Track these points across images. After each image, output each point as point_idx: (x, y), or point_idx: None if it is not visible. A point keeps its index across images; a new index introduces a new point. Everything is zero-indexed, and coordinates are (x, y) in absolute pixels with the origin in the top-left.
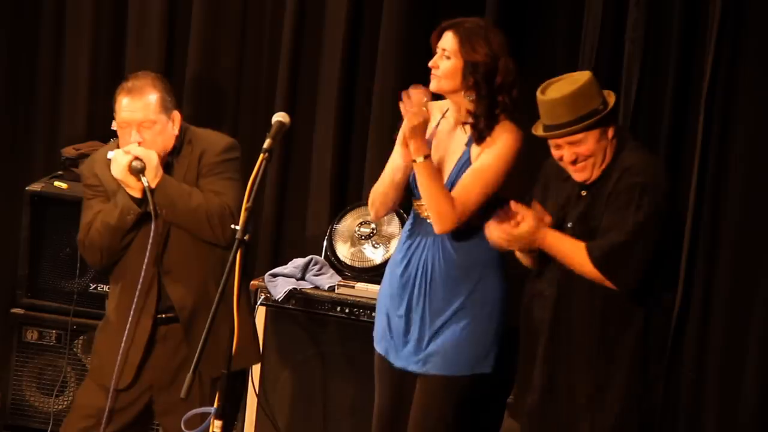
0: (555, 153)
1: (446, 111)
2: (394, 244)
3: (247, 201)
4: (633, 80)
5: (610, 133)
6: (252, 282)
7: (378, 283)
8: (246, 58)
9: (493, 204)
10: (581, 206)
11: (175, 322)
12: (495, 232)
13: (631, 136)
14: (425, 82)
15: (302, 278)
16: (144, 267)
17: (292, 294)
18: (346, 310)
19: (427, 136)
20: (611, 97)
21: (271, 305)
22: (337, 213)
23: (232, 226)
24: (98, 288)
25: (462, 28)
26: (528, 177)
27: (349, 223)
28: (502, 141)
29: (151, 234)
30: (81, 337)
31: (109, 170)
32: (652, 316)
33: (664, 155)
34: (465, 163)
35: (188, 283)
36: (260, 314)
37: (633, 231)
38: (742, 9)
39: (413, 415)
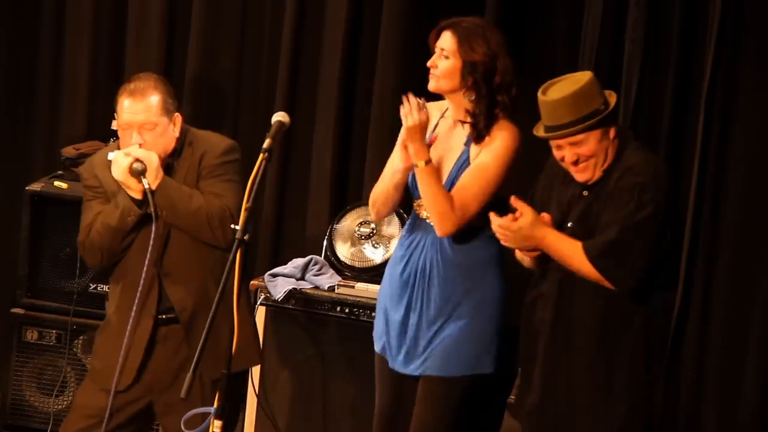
0: (556, 153)
1: (445, 111)
2: (394, 244)
3: (247, 201)
4: (633, 80)
5: (612, 133)
6: (252, 282)
7: (378, 283)
8: (246, 58)
9: (493, 203)
10: (582, 206)
11: (175, 322)
12: (494, 226)
13: (633, 136)
14: (425, 82)
15: (302, 278)
16: (145, 269)
17: (292, 294)
18: (346, 310)
19: (427, 137)
20: (612, 98)
21: (271, 305)
22: (337, 213)
23: (232, 226)
24: (98, 288)
25: (460, 27)
26: (527, 176)
27: (349, 223)
28: (500, 140)
29: (152, 236)
30: (81, 337)
31: (110, 171)
32: (653, 316)
33: (664, 155)
34: (464, 162)
35: (188, 285)
36: (260, 314)
37: (632, 230)
38: (742, 9)
39: (414, 416)
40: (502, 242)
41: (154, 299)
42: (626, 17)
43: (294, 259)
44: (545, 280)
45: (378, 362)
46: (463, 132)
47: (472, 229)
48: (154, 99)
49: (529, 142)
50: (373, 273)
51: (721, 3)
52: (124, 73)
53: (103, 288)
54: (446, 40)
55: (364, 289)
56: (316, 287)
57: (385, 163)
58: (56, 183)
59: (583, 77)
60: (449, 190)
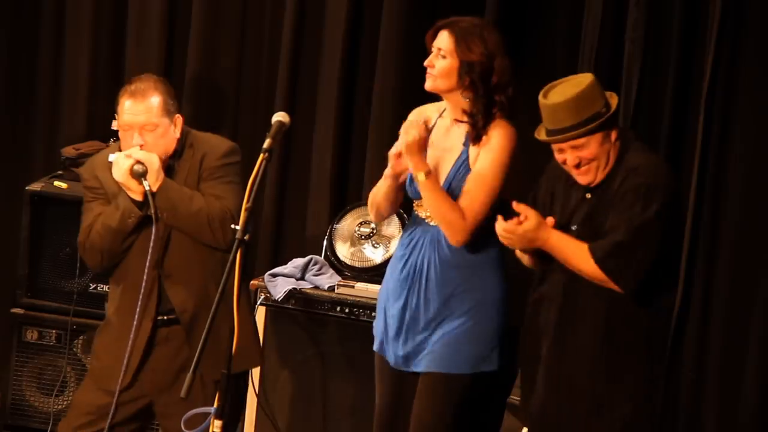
0: (558, 157)
1: (443, 111)
2: (394, 244)
3: (247, 201)
4: (633, 80)
5: (614, 135)
6: (252, 282)
7: (378, 283)
8: (246, 58)
9: (494, 206)
10: (586, 208)
11: (176, 323)
12: (498, 230)
13: (635, 137)
14: (425, 82)
15: (302, 278)
16: (146, 270)
17: (291, 294)
18: (346, 310)
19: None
20: (614, 99)
21: (271, 305)
22: (337, 213)
23: (233, 226)
24: (98, 288)
25: (457, 27)
26: (527, 178)
27: (348, 223)
28: (497, 141)
29: (152, 237)
30: (81, 337)
31: (110, 173)
32: (657, 317)
33: (664, 155)
34: (463, 162)
35: (189, 286)
36: (260, 314)
37: (637, 231)
38: (742, 9)
39: (414, 414)
40: (506, 244)
41: (154, 300)
42: (626, 17)
43: (294, 259)
44: (548, 282)
45: (378, 361)
46: (461, 131)
47: None
48: (155, 100)
49: (530, 144)
50: (373, 273)
51: (721, 3)
52: (124, 73)
53: (103, 288)
54: (443, 40)
55: (364, 289)
56: (316, 287)
57: (385, 163)
58: (56, 183)
59: (585, 79)
60: (448, 190)
